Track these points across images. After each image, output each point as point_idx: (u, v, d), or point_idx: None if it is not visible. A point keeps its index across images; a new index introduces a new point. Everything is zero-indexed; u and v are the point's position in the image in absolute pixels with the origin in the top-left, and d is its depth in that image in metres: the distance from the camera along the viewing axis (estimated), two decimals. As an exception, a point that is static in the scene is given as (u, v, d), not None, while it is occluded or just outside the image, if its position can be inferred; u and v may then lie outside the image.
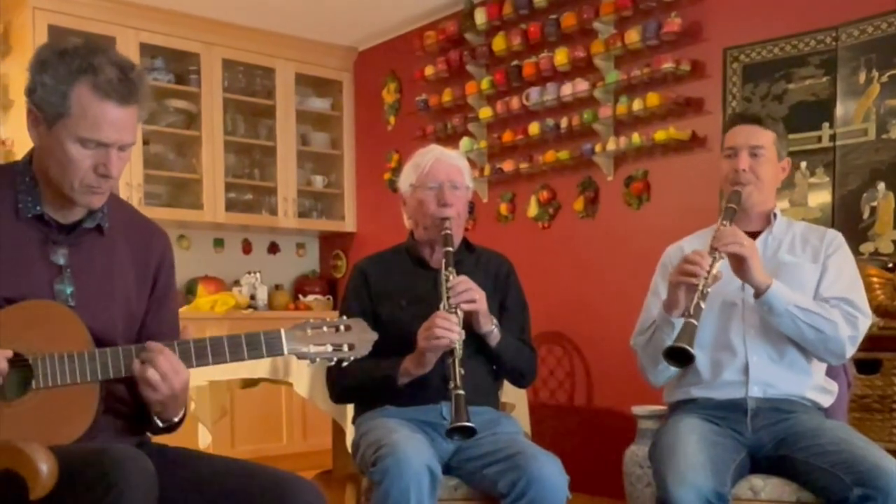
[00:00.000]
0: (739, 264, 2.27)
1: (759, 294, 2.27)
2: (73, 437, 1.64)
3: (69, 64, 1.66)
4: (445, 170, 2.51)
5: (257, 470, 1.77)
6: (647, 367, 2.46)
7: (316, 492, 1.74)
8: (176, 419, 1.83)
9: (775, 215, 2.48)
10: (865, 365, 2.90)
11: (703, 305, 2.18)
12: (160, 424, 1.81)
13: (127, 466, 1.48)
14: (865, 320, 2.32)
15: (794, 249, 2.43)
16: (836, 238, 2.44)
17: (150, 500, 1.51)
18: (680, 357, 2.11)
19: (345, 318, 1.85)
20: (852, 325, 2.29)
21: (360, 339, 1.83)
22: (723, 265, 2.26)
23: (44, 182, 1.75)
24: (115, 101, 1.67)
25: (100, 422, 1.69)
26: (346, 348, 1.81)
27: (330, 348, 1.80)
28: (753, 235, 2.46)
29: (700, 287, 2.19)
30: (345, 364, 1.85)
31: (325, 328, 1.81)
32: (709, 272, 2.20)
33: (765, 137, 2.42)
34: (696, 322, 2.15)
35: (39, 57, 1.70)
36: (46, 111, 1.67)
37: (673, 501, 2.02)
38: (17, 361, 1.63)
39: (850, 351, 2.31)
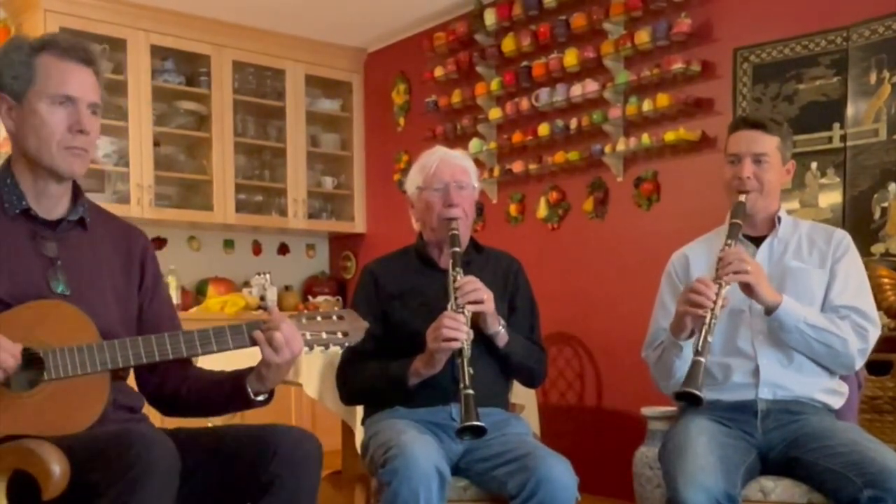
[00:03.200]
0: (747, 289, 2.26)
1: (769, 312, 2.27)
2: (85, 425, 1.68)
3: (30, 43, 1.80)
4: (451, 170, 2.51)
5: (247, 426, 1.86)
6: (659, 381, 2.47)
7: (299, 437, 1.80)
8: (267, 395, 1.91)
9: (780, 219, 2.46)
10: (876, 366, 2.89)
11: (710, 340, 2.17)
12: (258, 398, 1.88)
13: (151, 445, 1.54)
14: (875, 330, 2.31)
15: (801, 253, 2.41)
16: (844, 240, 2.42)
17: (173, 476, 1.57)
18: (689, 399, 2.12)
19: (337, 309, 1.93)
20: (862, 338, 2.28)
21: (353, 326, 1.93)
22: (731, 287, 2.25)
23: (24, 179, 1.82)
24: (76, 61, 1.80)
25: (107, 410, 1.74)
26: (339, 335, 1.91)
27: (324, 335, 1.90)
28: (759, 240, 2.45)
29: (707, 320, 2.18)
30: (340, 350, 1.96)
31: (319, 318, 1.91)
32: (715, 302, 2.19)
33: (769, 143, 2.39)
34: (703, 360, 2.14)
35: (3, 47, 1.83)
36: (14, 87, 1.78)
37: (683, 503, 2.02)
38: (28, 356, 1.66)
39: (860, 363, 2.32)
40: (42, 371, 1.67)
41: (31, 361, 1.67)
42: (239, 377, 1.88)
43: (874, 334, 2.30)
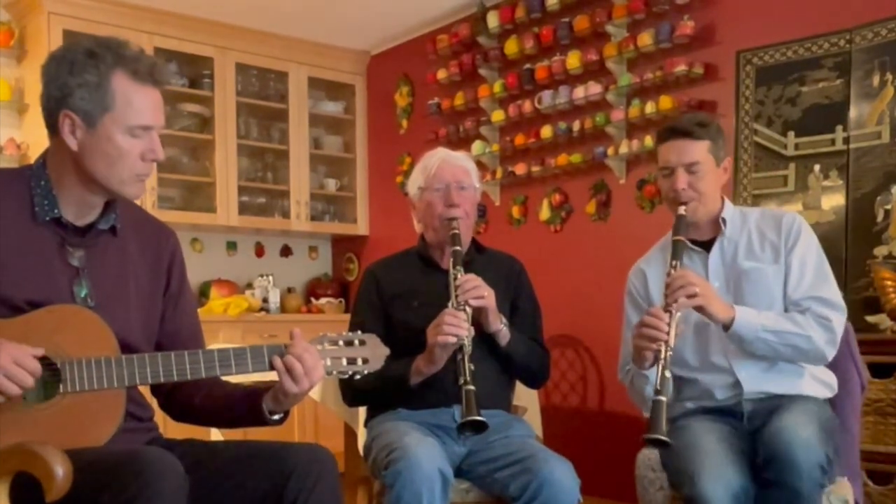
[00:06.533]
0: (700, 309, 2.22)
1: (726, 328, 2.22)
2: (100, 440, 1.66)
3: (102, 60, 1.70)
4: (451, 171, 2.52)
5: (257, 443, 1.85)
6: (637, 404, 2.44)
7: (313, 453, 1.77)
8: (282, 414, 1.89)
9: (724, 220, 2.39)
10: (880, 369, 2.88)
11: (668, 375, 2.12)
12: (273, 418, 1.86)
13: (160, 468, 1.52)
14: (840, 316, 2.24)
15: (753, 251, 2.35)
16: (794, 225, 2.34)
17: (181, 500, 1.55)
18: (657, 444, 2.08)
19: (359, 332, 1.90)
20: (826, 328, 2.21)
21: (374, 353, 1.89)
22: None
23: (61, 186, 1.76)
24: (151, 85, 1.74)
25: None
26: (360, 362, 1.87)
27: (345, 362, 1.86)
28: (707, 244, 2.40)
29: (663, 354, 2.13)
30: (358, 377, 1.89)
31: (341, 342, 1.87)
32: (668, 333, 2.15)
33: (698, 151, 2.32)
34: (664, 398, 2.09)
35: (66, 60, 1.71)
36: (88, 110, 1.69)
37: (704, 496, 2.01)
38: (45, 365, 1.63)
39: (832, 352, 2.25)
40: (58, 383, 1.64)
41: (49, 371, 1.64)
42: (255, 396, 1.85)
43: (839, 320, 2.23)
